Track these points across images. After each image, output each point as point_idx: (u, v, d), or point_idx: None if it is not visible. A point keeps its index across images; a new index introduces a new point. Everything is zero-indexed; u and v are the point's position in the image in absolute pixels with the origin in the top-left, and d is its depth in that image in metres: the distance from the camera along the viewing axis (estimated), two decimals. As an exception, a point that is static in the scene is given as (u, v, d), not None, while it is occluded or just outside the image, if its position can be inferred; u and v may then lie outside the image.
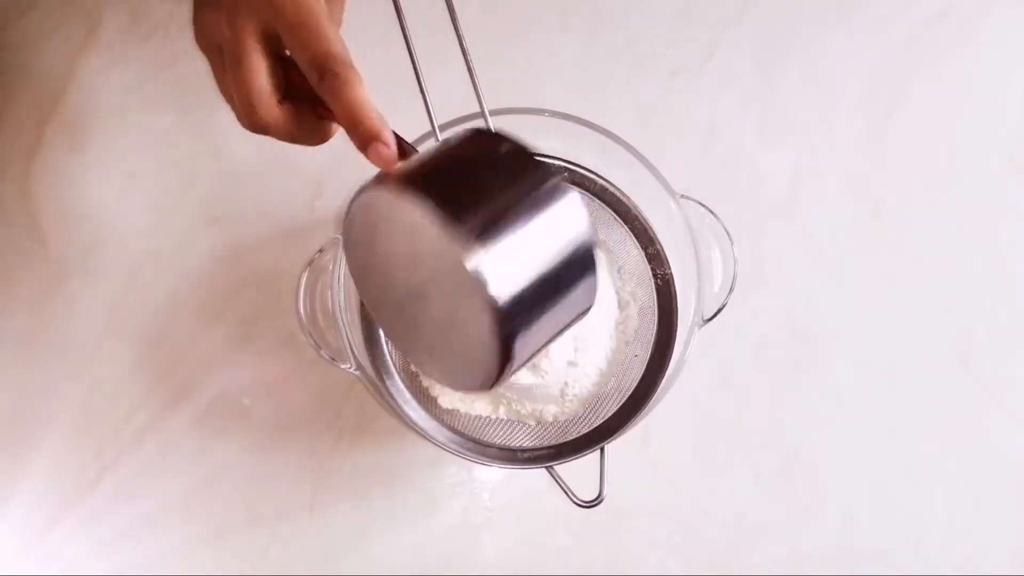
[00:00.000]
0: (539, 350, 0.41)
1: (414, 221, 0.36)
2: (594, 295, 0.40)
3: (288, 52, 0.44)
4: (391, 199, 0.37)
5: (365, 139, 0.41)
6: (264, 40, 0.43)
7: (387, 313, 0.44)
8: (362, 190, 0.39)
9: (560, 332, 0.41)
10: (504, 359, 0.38)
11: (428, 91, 0.46)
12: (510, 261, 0.36)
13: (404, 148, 0.41)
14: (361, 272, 0.44)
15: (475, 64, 0.49)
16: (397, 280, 0.41)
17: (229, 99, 0.46)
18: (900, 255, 0.67)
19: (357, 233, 0.41)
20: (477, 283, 0.35)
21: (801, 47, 0.69)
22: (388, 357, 0.59)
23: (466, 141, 0.40)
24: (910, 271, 0.67)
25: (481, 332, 0.37)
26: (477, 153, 0.39)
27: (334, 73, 0.41)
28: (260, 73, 0.44)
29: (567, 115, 0.57)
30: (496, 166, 0.39)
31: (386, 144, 0.40)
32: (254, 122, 0.45)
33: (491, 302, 0.36)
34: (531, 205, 0.37)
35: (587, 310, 0.41)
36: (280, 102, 0.45)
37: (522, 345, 0.38)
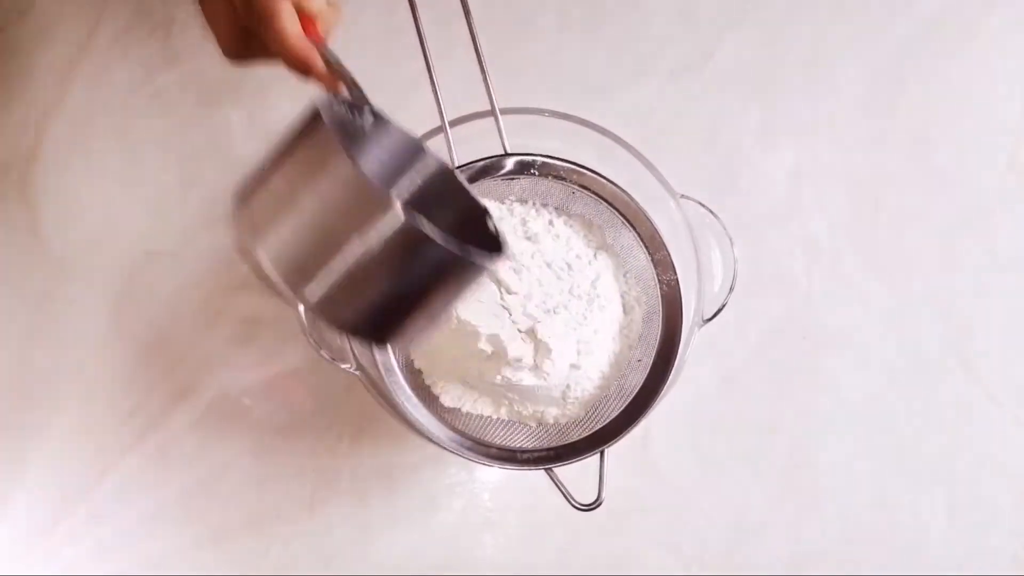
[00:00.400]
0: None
1: None
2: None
3: None
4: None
5: (295, 69, 0.44)
6: None
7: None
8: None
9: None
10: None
11: (439, 88, 0.50)
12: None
13: (332, 68, 0.45)
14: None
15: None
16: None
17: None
18: (900, 255, 0.67)
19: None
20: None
21: (801, 47, 0.69)
22: (390, 354, 0.59)
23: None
24: (910, 271, 0.67)
25: None
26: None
27: (258, 14, 0.44)
28: (218, 19, 0.46)
29: (567, 115, 0.57)
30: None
31: (316, 70, 0.44)
32: (224, 55, 0.48)
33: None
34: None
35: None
36: (240, 34, 0.46)
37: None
